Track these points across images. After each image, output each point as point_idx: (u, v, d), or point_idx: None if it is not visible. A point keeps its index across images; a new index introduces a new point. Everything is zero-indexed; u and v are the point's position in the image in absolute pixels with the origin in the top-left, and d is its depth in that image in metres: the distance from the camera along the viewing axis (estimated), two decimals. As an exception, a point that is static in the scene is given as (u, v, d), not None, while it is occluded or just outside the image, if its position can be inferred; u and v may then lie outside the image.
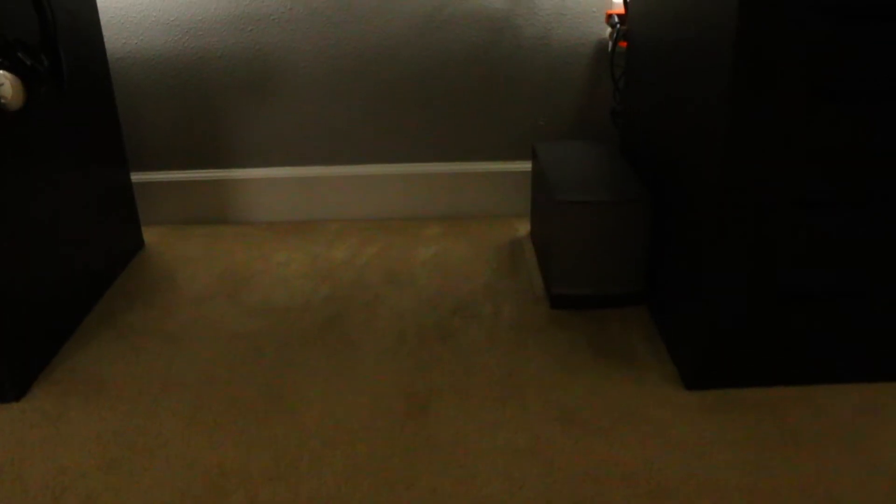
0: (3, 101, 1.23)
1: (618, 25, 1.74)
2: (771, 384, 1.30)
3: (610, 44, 1.79)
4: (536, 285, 1.66)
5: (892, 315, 1.25)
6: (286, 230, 1.96)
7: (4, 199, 1.30)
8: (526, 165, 1.96)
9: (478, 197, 1.98)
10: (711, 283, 1.22)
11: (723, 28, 1.11)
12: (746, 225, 1.17)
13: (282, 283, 1.70)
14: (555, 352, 1.42)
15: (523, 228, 1.93)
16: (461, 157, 1.97)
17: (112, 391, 1.34)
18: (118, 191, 1.78)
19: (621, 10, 1.74)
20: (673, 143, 1.38)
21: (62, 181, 1.51)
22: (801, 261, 1.20)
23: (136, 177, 1.95)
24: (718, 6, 1.13)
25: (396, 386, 1.33)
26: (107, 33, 1.84)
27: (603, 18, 1.83)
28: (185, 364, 1.41)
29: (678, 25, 1.33)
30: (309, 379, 1.36)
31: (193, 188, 1.97)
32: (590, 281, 1.54)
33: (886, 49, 1.08)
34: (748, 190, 1.15)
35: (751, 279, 1.21)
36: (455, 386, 1.33)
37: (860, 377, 1.30)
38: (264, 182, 1.97)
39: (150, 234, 1.94)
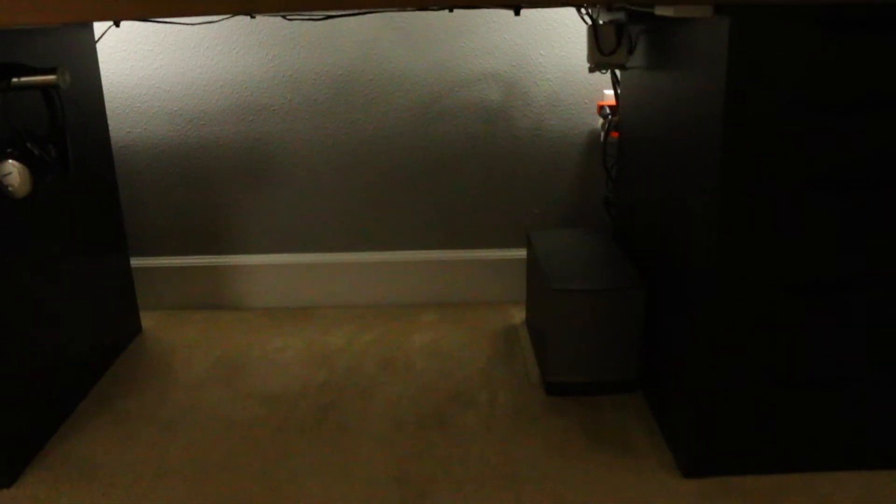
0: (10, 188, 1.25)
1: (609, 116, 1.79)
2: (771, 472, 1.29)
3: (602, 134, 1.84)
4: (532, 372, 1.66)
5: (893, 402, 1.25)
6: (283, 316, 1.97)
7: (3, 282, 1.32)
8: (521, 253, 1.98)
9: (474, 284, 2.00)
10: (708, 370, 1.22)
11: (710, 119, 1.15)
12: (742, 312, 1.19)
13: (278, 369, 1.70)
14: (551, 439, 1.41)
15: (519, 315, 1.94)
16: (457, 244, 1.99)
17: (105, 478, 1.32)
18: (117, 276, 1.79)
19: (612, 101, 1.80)
20: (665, 232, 1.40)
21: (62, 265, 1.53)
22: (799, 347, 1.21)
23: (135, 262, 1.97)
24: (705, 99, 1.17)
25: (392, 474, 1.32)
26: (112, 122, 1.89)
27: (595, 109, 1.88)
28: (181, 452, 1.40)
29: (668, 116, 1.37)
30: (305, 468, 1.34)
31: (192, 273, 1.99)
32: (585, 368, 1.54)
33: (870, 139, 1.12)
34: (741, 277, 1.17)
35: (748, 365, 1.22)
36: (450, 474, 1.31)
37: (862, 466, 1.29)
38: (262, 268, 1.99)
39: (147, 319, 1.95)
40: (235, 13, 1.06)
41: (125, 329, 1.83)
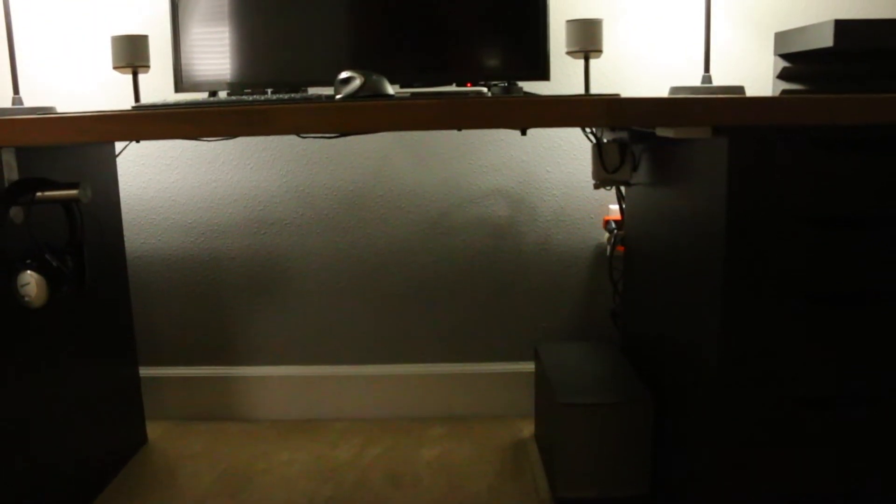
0: (27, 299, 1.28)
1: (615, 231, 1.82)
2: None
3: (608, 248, 1.87)
4: (541, 488, 1.63)
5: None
6: (290, 428, 1.95)
7: (12, 389, 1.32)
8: (529, 366, 1.98)
9: (482, 397, 1.99)
10: (719, 483, 1.20)
11: (712, 234, 1.17)
12: (748, 425, 1.18)
13: (284, 483, 1.67)
14: (561, 559, 1.38)
15: (527, 429, 1.92)
16: (465, 357, 1.99)
17: None
18: (125, 385, 1.79)
19: (618, 216, 1.83)
20: (672, 345, 1.41)
21: (71, 374, 1.53)
22: (808, 458, 1.19)
23: (144, 371, 1.97)
24: (707, 214, 1.20)
25: None
26: (127, 232, 1.93)
27: (601, 224, 1.92)
28: (180, 568, 1.37)
29: (672, 231, 1.40)
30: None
31: (200, 384, 1.99)
32: (596, 483, 1.51)
33: (866, 254, 1.14)
34: (746, 390, 1.17)
35: (759, 481, 1.20)
36: None
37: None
38: (270, 380, 1.99)
39: (153, 429, 1.93)
40: (253, 135, 1.11)
41: (130, 439, 1.81)
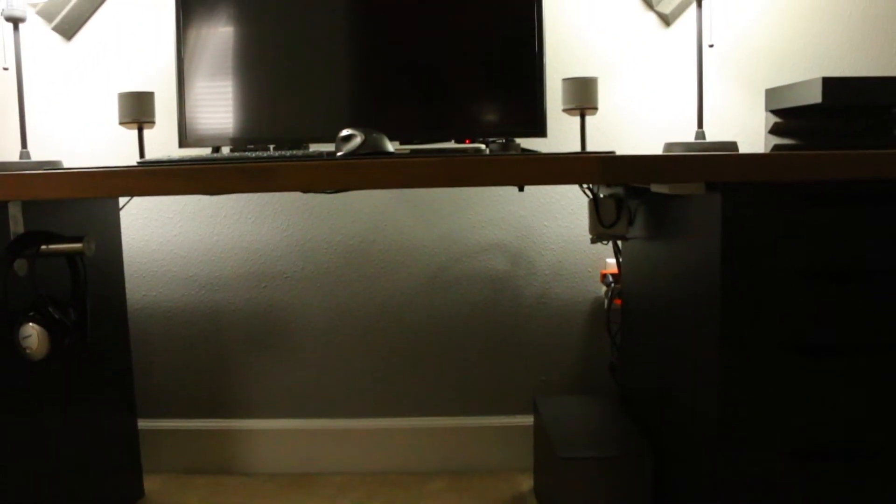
0: (28, 351, 1.29)
1: (612, 284, 1.84)
2: None
3: (606, 301, 1.88)
4: (540, 543, 1.62)
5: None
6: (289, 482, 1.94)
7: (9, 439, 1.32)
8: (528, 420, 1.98)
9: (481, 451, 1.98)
10: (717, 543, 1.20)
11: (708, 287, 1.19)
12: (748, 476, 1.18)
13: (280, 538, 1.66)
14: None
15: (526, 483, 1.91)
16: (464, 411, 1.99)
17: None
18: (123, 438, 1.79)
19: (615, 269, 1.85)
20: (670, 397, 1.42)
21: (69, 424, 1.53)
22: (805, 519, 1.19)
23: (142, 423, 1.97)
24: (702, 268, 1.22)
25: None
26: (129, 284, 1.94)
27: (598, 278, 1.94)
28: None
29: (668, 285, 1.41)
30: None
31: (199, 437, 1.98)
32: (595, 539, 1.50)
33: (864, 306, 1.15)
34: (746, 441, 1.17)
35: (757, 538, 1.19)
36: None
37: None
38: (269, 433, 1.98)
39: (150, 483, 1.92)
40: (255, 192, 1.13)
41: (127, 492, 1.80)
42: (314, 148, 1.71)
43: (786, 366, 1.16)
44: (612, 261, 1.89)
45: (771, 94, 1.62)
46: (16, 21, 1.62)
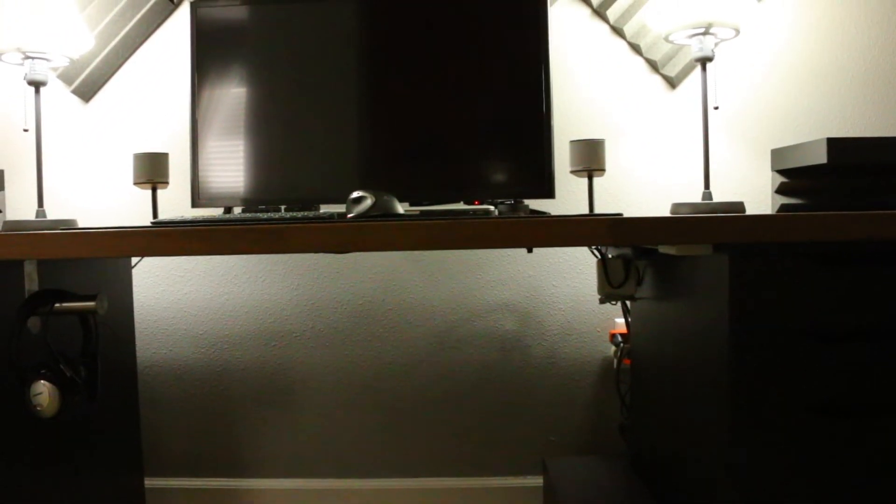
0: (38, 408, 1.29)
1: (621, 344, 1.83)
2: None
3: (615, 361, 1.88)
4: None
5: None
6: (293, 544, 1.92)
7: (16, 496, 1.32)
8: (537, 481, 1.95)
9: (489, 512, 1.96)
10: None
11: (717, 347, 1.19)
12: (760, 547, 1.16)
13: None
14: None
15: (535, 546, 1.88)
16: (473, 471, 1.97)
17: None
18: (130, 495, 1.77)
19: (624, 329, 1.85)
20: (680, 458, 1.40)
21: (76, 482, 1.53)
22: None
23: (149, 482, 1.96)
24: (711, 328, 1.22)
25: None
26: (139, 342, 1.95)
27: (607, 338, 1.94)
28: None
29: (677, 345, 1.41)
30: None
31: (206, 496, 1.97)
32: None
33: (871, 367, 1.15)
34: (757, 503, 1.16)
35: None
36: None
37: None
38: (278, 492, 1.97)
39: (154, 546, 1.90)
40: (266, 253, 1.15)
41: (131, 556, 1.78)
42: (325, 209, 1.73)
43: (797, 427, 1.15)
44: (620, 320, 1.89)
45: (777, 154, 1.64)
46: (37, 85, 1.66)
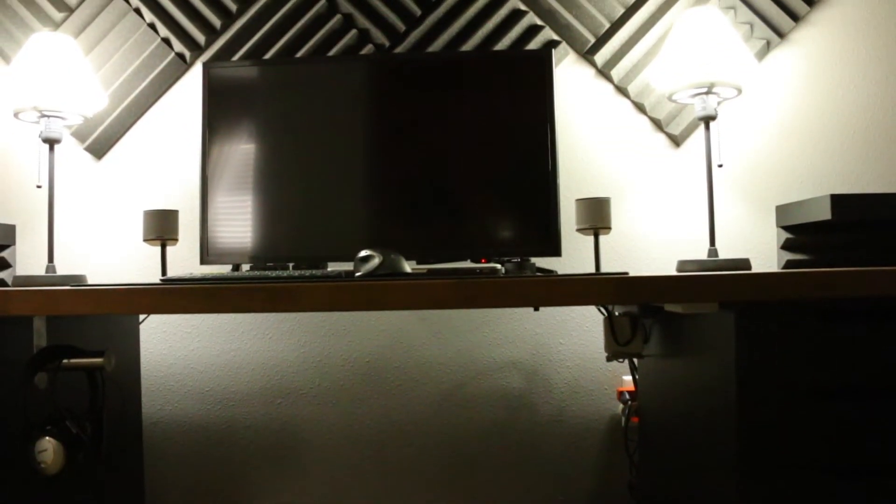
0: (42, 465, 1.29)
1: (629, 402, 1.82)
2: None
3: (623, 419, 1.86)
4: None
5: None
6: None
7: (22, 566, 1.30)
8: (545, 541, 1.93)
9: (496, 573, 1.93)
10: None
11: (724, 404, 1.18)
12: None
13: None
14: None
15: None
16: (479, 530, 1.95)
17: None
18: (131, 559, 1.75)
19: (632, 387, 1.84)
20: (690, 523, 1.38)
21: (80, 548, 1.51)
22: None
23: (150, 544, 1.94)
24: (718, 385, 1.21)
25: None
26: (145, 398, 1.95)
27: (615, 395, 1.92)
28: None
29: (685, 402, 1.41)
30: None
31: (206, 558, 1.94)
32: None
33: (878, 426, 1.14)
34: (769, 574, 1.14)
35: None
36: None
37: None
38: (278, 553, 1.94)
39: None
40: (274, 312, 1.16)
41: None
42: (332, 266, 1.74)
43: (804, 486, 1.14)
44: (628, 378, 1.88)
45: (781, 210, 1.65)
46: (52, 142, 1.69)
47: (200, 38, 1.96)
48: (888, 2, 1.92)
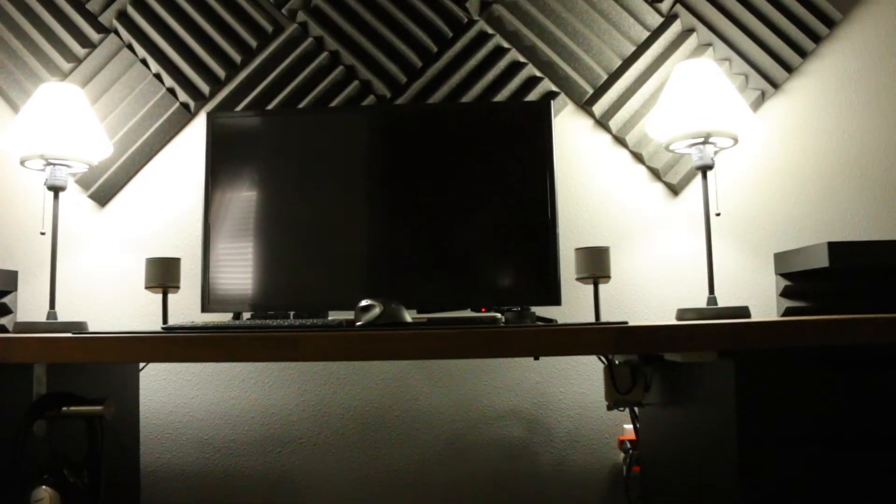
0: (39, 517, 1.28)
1: (630, 451, 1.81)
2: None
3: (624, 468, 1.85)
4: None
5: None
6: None
7: None
8: (546, 593, 1.90)
9: None
10: None
11: (725, 452, 1.18)
12: None
13: None
14: None
15: None
16: (479, 582, 1.92)
17: None
18: None
19: (633, 436, 1.83)
20: (693, 575, 1.37)
21: None
22: None
23: None
24: (719, 433, 1.21)
25: None
26: (143, 446, 1.94)
27: (616, 444, 1.91)
28: None
29: (686, 450, 1.40)
30: None
31: None
32: None
33: (882, 474, 1.14)
34: None
35: None
36: None
37: None
38: None
39: None
40: (276, 361, 1.16)
41: None
42: (333, 315, 1.75)
43: (809, 542, 1.13)
44: (629, 427, 1.87)
45: (780, 258, 1.67)
46: (56, 189, 1.71)
47: (205, 88, 1.99)
48: (876, 54, 1.96)
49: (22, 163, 1.71)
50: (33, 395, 1.39)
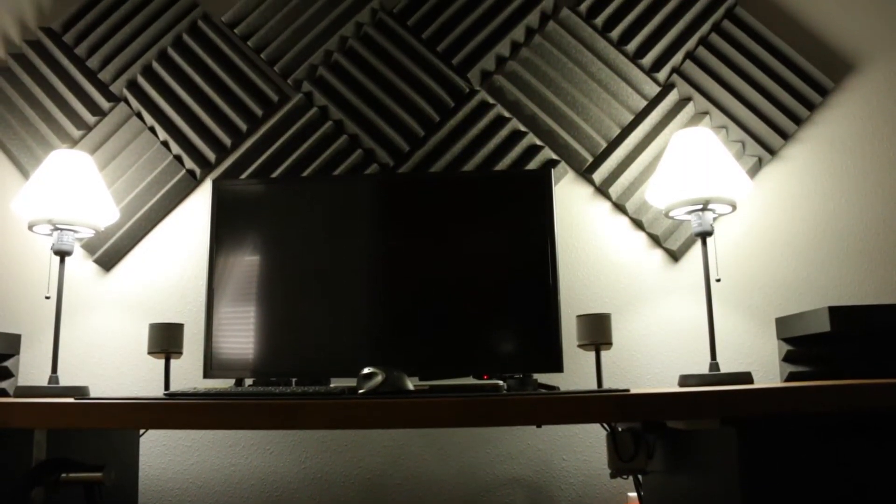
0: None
1: (634, 520, 1.79)
2: None
3: (628, 538, 1.82)
4: None
5: None
6: None
7: None
8: None
9: None
10: None
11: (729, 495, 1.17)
12: None
13: None
14: None
15: None
16: None
17: None
18: None
19: (637, 503, 1.81)
20: None
21: None
22: None
23: None
24: (722, 500, 1.20)
25: None
26: (141, 517, 1.92)
27: (619, 513, 1.89)
28: None
29: (690, 526, 1.38)
30: None
31: None
32: None
33: None
34: None
35: None
36: None
37: None
38: None
39: None
40: (278, 429, 1.16)
41: None
42: (335, 382, 1.75)
43: None
44: (633, 494, 1.85)
45: (781, 323, 1.67)
46: (63, 254, 1.73)
47: (211, 155, 2.03)
48: (870, 121, 2.00)
49: (30, 227, 1.74)
50: (32, 461, 1.38)
